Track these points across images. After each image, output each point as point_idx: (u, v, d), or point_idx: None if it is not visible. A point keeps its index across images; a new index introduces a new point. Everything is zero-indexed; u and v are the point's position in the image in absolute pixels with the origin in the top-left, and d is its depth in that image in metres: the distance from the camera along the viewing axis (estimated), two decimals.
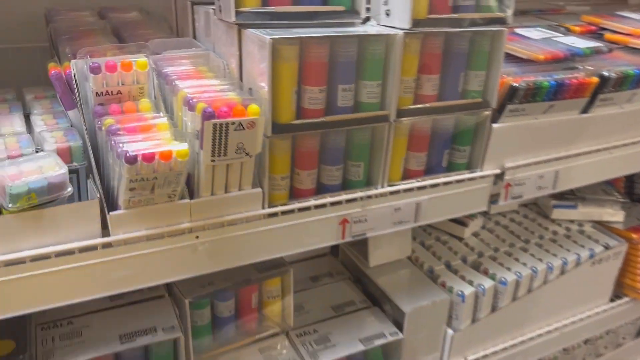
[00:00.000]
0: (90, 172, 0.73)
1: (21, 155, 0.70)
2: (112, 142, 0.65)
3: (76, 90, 0.73)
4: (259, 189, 0.76)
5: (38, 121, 0.80)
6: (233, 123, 0.67)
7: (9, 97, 0.88)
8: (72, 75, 0.73)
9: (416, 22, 0.77)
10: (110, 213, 0.68)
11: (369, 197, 0.84)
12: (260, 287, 0.97)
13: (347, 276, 1.17)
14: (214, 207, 0.74)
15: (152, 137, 0.66)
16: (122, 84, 0.73)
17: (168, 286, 0.96)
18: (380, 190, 0.85)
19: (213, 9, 0.81)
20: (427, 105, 0.83)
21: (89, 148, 0.72)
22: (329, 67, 0.75)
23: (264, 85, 0.72)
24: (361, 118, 0.78)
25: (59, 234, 0.66)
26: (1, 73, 1.11)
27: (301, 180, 0.81)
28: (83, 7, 1.11)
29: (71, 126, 0.79)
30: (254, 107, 0.68)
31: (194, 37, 0.94)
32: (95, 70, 0.70)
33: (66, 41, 0.89)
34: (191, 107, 0.69)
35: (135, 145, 0.64)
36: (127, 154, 0.61)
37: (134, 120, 0.69)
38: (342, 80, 0.76)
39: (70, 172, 0.73)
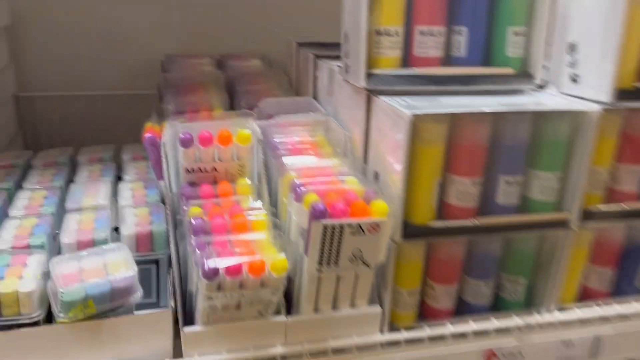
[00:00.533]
0: (170, 264, 0.58)
1: (92, 241, 0.57)
2: (193, 243, 0.49)
3: (165, 160, 0.59)
4: (378, 307, 0.56)
5: (126, 191, 0.68)
6: (350, 226, 0.49)
7: (105, 156, 0.79)
8: (162, 143, 0.59)
9: (620, 94, 0.54)
10: (185, 329, 0.52)
11: (530, 325, 0.61)
12: None
13: None
14: (317, 328, 0.55)
15: (243, 240, 0.50)
16: (219, 160, 0.58)
17: None
18: (545, 317, 0.62)
19: (339, 66, 0.65)
20: (625, 206, 0.59)
21: (172, 233, 0.58)
22: (488, 151, 0.55)
23: (396, 172, 0.53)
24: (530, 222, 0.56)
25: (121, 350, 0.52)
26: (115, 120, 1.05)
27: (436, 296, 0.60)
28: (204, 53, 1.02)
29: (162, 201, 0.66)
30: (380, 205, 0.50)
31: (314, 95, 0.78)
32: (186, 143, 0.56)
33: (171, 95, 0.78)
34: (298, 197, 0.52)
35: (218, 254, 0.48)
36: (205, 268, 0.46)
37: (227, 209, 0.54)
38: (505, 169, 0.55)
39: (148, 262, 0.60)
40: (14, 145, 0.96)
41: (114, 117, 1.05)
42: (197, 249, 0.48)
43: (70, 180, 0.72)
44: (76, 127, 1.04)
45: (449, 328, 0.59)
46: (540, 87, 0.60)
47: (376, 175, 0.57)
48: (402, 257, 0.56)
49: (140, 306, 0.55)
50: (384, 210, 0.50)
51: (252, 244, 0.50)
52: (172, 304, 0.53)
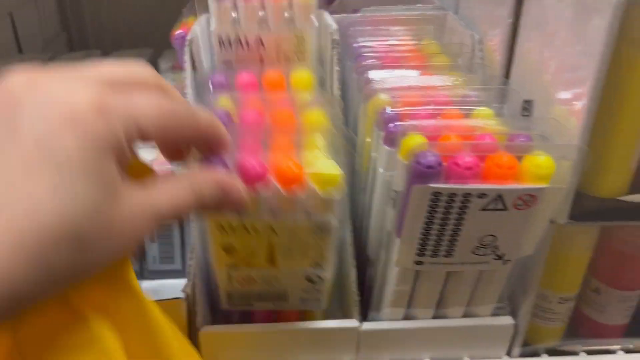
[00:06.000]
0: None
1: None
2: None
3: (188, 59, 0.39)
4: (508, 319, 0.35)
5: None
6: (483, 195, 0.27)
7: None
8: (187, 40, 0.39)
9: None
10: (201, 330, 0.34)
11: None
12: None
13: None
14: (409, 343, 0.36)
15: (284, 145, 0.30)
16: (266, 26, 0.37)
17: None
18: None
19: None
20: None
21: None
22: None
23: (573, 101, 0.30)
24: None
25: None
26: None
27: (602, 305, 0.38)
28: None
29: None
30: (542, 162, 0.27)
31: None
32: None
33: None
34: (390, 139, 0.31)
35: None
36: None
37: (270, 106, 0.34)
38: None
39: None
40: (53, 47, 0.80)
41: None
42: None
43: None
44: (125, 26, 0.86)
45: (618, 356, 0.37)
46: None
47: (527, 107, 0.34)
48: (561, 247, 0.34)
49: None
50: (546, 170, 0.27)
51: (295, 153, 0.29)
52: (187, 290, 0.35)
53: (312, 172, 0.27)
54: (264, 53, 0.37)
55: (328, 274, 0.32)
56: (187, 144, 0.24)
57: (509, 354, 0.37)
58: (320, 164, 0.28)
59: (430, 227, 0.29)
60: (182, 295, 0.34)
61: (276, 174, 0.27)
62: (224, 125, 0.25)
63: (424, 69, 0.38)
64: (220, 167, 0.25)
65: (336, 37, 0.39)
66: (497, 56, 0.37)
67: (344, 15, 0.44)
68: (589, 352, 0.37)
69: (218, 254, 0.31)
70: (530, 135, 0.29)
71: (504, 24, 0.36)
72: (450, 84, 0.36)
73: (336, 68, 0.38)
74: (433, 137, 0.30)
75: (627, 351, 0.38)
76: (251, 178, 0.26)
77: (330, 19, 0.40)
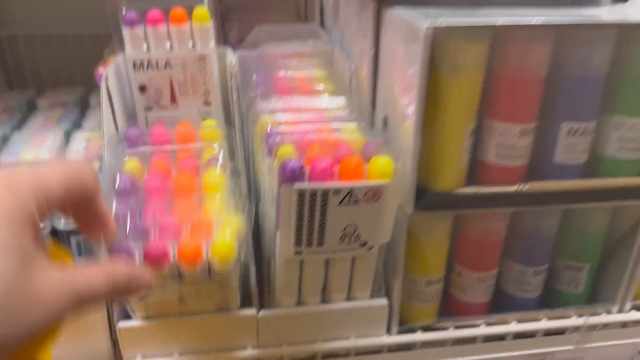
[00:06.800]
0: None
1: None
2: (114, 209, 0.36)
3: (106, 97, 0.45)
4: (384, 300, 0.42)
5: (79, 142, 0.55)
6: (337, 192, 0.34)
7: (70, 100, 0.65)
8: (103, 76, 0.45)
9: None
10: (120, 324, 0.39)
11: (594, 326, 0.45)
12: None
13: None
14: (301, 327, 0.41)
15: (188, 207, 0.36)
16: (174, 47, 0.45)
17: None
18: (616, 316, 0.46)
19: None
20: None
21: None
22: (546, 85, 0.38)
23: (409, 115, 0.37)
24: (602, 189, 0.40)
25: None
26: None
27: (465, 286, 0.45)
28: None
29: None
30: (382, 162, 0.34)
31: (322, 23, 0.62)
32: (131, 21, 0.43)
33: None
34: (270, 151, 0.37)
35: (144, 230, 0.34)
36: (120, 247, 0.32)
37: (179, 162, 0.40)
38: (568, 113, 0.38)
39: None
40: None
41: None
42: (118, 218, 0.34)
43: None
44: (63, 68, 0.91)
45: (481, 329, 0.44)
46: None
47: (385, 122, 0.41)
48: (419, 236, 0.41)
49: None
50: (387, 169, 0.34)
51: (198, 215, 0.36)
52: None
53: (212, 246, 0.34)
54: (172, 73, 0.44)
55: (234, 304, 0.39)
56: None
57: (388, 331, 0.43)
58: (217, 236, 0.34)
59: (301, 221, 0.36)
60: None
61: (179, 255, 0.33)
62: (127, 193, 0.33)
63: (311, 94, 0.45)
64: (127, 254, 0.30)
65: (234, 69, 0.46)
66: (366, 81, 0.45)
67: (246, 51, 0.51)
68: (457, 327, 0.44)
69: (138, 303, 0.37)
70: (380, 142, 0.37)
71: (369, 55, 0.44)
72: (330, 107, 0.43)
73: (235, 97, 0.45)
74: (302, 147, 0.36)
75: (489, 324, 0.45)
76: (156, 261, 0.32)
77: (231, 55, 0.47)
